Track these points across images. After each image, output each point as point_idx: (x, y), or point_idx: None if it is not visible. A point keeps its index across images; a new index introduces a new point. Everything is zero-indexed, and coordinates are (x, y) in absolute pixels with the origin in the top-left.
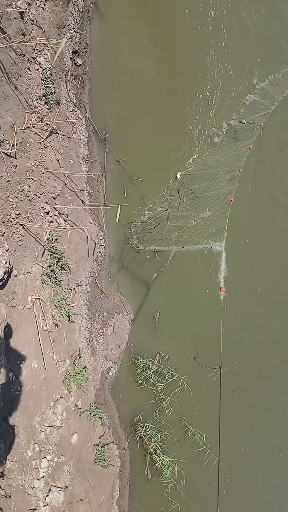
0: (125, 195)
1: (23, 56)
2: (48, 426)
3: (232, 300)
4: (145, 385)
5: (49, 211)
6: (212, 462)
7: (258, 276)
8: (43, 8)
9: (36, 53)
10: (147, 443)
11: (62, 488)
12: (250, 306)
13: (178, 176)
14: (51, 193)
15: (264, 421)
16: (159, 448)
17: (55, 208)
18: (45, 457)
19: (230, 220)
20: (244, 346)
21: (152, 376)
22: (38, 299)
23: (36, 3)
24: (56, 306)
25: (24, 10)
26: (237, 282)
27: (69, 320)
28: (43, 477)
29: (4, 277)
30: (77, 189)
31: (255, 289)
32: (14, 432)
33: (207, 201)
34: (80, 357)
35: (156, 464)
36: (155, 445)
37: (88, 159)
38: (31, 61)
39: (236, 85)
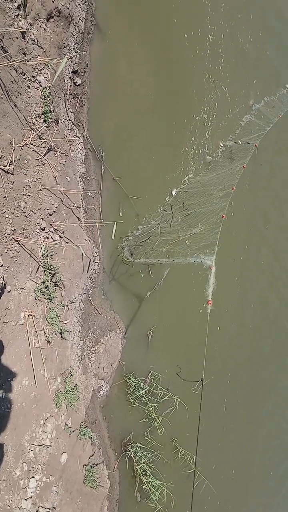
0: (121, 213)
1: (24, 75)
2: (37, 445)
3: (225, 318)
4: (137, 405)
5: (44, 228)
6: (202, 485)
7: (251, 294)
8: (44, 29)
9: (37, 72)
10: (136, 464)
11: (49, 509)
12: (243, 324)
13: (173, 192)
14: (47, 209)
15: (256, 440)
16: (149, 469)
17: (50, 224)
18: (33, 477)
19: (223, 238)
20: (237, 364)
21: (144, 396)
22: (31, 315)
23: (38, 24)
24: (48, 323)
25: (26, 30)
26: (230, 301)
27: (62, 337)
28: (30, 497)
29: None
30: (73, 206)
31: (248, 306)
32: (3, 451)
33: (200, 216)
34: (71, 375)
35: (145, 486)
36: (145, 466)
37: (85, 177)
38: (31, 80)
39: (232, 107)
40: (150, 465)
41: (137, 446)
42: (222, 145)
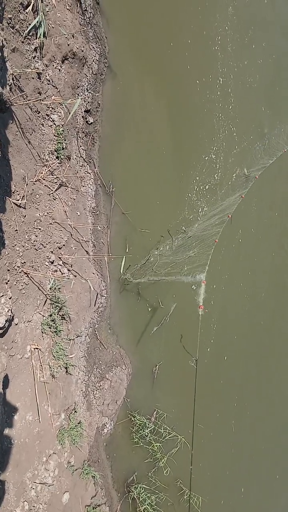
0: (127, 249)
1: (38, 113)
2: (39, 483)
3: (233, 344)
4: (141, 444)
5: (53, 261)
6: None
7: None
8: (59, 70)
9: (51, 111)
10: (140, 505)
11: None
12: (246, 347)
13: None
14: (57, 243)
15: (265, 462)
16: (153, 511)
17: (59, 257)
18: None
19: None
20: (243, 387)
21: (149, 435)
22: (37, 348)
23: (53, 65)
24: (54, 357)
25: (42, 71)
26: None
27: (67, 371)
28: None
29: (5, 325)
30: (82, 240)
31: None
32: (4, 488)
33: (197, 240)
34: (75, 411)
35: None
36: (148, 508)
37: (94, 211)
38: (45, 118)
39: (239, 143)
40: (154, 507)
41: (140, 486)
42: (247, 173)
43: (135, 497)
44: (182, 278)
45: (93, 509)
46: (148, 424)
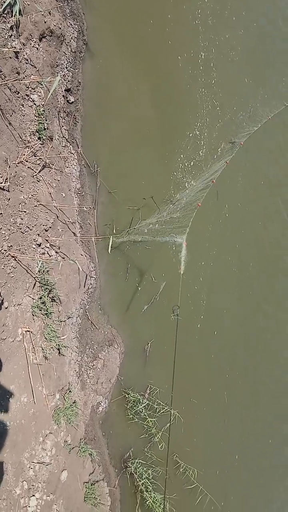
0: (114, 230)
1: (17, 94)
2: (37, 463)
3: (223, 318)
4: (136, 420)
5: (41, 243)
6: (205, 500)
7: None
8: (37, 48)
9: (30, 91)
10: (137, 480)
11: None
12: (236, 320)
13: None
14: (43, 225)
15: (258, 429)
16: (150, 485)
17: (46, 240)
18: (33, 495)
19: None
20: (234, 357)
21: (143, 411)
22: (29, 331)
23: (31, 44)
24: (46, 339)
25: (19, 50)
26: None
27: (59, 353)
28: None
29: None
30: (68, 221)
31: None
32: (2, 469)
33: (181, 206)
34: (70, 391)
35: (147, 502)
36: (146, 481)
37: (79, 192)
38: (25, 98)
39: (222, 117)
40: (152, 480)
41: (137, 462)
42: (232, 139)
43: (133, 472)
44: (164, 239)
45: (91, 485)
46: (142, 400)
